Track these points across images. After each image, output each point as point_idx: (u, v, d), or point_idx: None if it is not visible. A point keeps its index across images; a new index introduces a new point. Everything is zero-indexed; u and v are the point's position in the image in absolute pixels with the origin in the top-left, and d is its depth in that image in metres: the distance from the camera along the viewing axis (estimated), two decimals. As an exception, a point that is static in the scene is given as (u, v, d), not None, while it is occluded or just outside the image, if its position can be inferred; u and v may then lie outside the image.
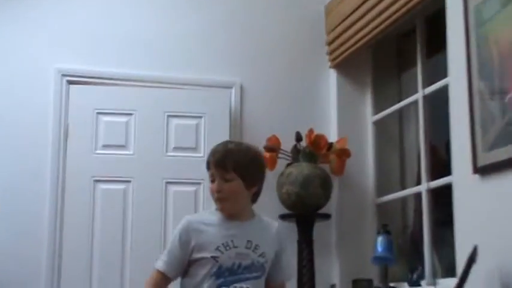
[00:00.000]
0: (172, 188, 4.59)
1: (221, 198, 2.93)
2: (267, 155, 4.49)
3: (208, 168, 2.99)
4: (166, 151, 4.62)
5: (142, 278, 4.10)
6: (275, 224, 3.11)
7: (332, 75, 4.94)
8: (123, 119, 4.61)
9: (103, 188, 4.49)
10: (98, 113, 4.58)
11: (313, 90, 4.95)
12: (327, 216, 4.61)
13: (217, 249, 2.87)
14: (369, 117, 4.89)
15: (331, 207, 4.66)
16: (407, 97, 4.51)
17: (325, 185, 4.52)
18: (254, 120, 4.84)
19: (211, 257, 2.86)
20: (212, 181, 2.95)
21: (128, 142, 4.60)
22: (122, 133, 4.60)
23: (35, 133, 4.53)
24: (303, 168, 4.49)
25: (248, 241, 2.91)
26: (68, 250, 4.38)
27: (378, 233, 4.34)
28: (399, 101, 4.63)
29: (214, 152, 3.01)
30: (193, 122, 4.69)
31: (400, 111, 4.68)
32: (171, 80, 4.73)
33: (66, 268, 4.35)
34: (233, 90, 4.83)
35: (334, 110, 4.90)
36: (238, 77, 4.86)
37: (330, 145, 4.61)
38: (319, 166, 4.55)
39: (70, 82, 4.60)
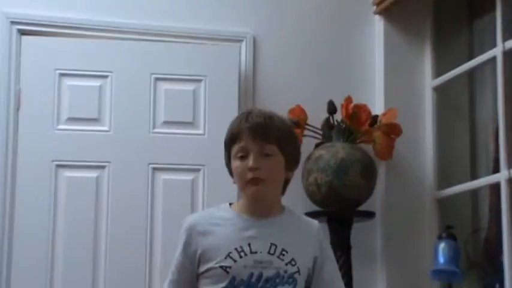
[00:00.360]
0: (162, 176, 4.36)
1: (258, 179, 2.67)
2: None
3: (235, 139, 2.73)
4: (154, 127, 4.39)
5: None
6: (314, 223, 2.87)
7: (378, 25, 4.71)
8: (95, 83, 4.37)
9: (68, 175, 4.24)
10: (61, 75, 4.33)
11: (352, 45, 4.74)
12: (370, 215, 4.39)
13: (228, 256, 2.65)
14: (428, 81, 4.69)
15: (375, 202, 4.45)
16: (480, 53, 4.32)
17: (368, 173, 4.28)
18: (272, 85, 4.62)
19: (220, 267, 2.65)
20: (242, 157, 2.69)
21: (101, 114, 4.37)
22: (94, 102, 4.36)
23: None
24: (338, 149, 4.25)
25: (272, 244, 2.67)
26: (20, 256, 4.17)
27: (439, 237, 4.15)
28: (469, 59, 4.43)
29: (247, 117, 2.74)
30: (190, 87, 4.47)
31: (471, 73, 4.52)
32: (160, 30, 4.52)
33: (18, 278, 4.10)
34: (243, 45, 4.60)
35: (380, 71, 4.66)
36: (250, 28, 4.63)
37: (374, 119, 4.38)
38: (359, 147, 4.33)
39: (22, 32, 4.37)
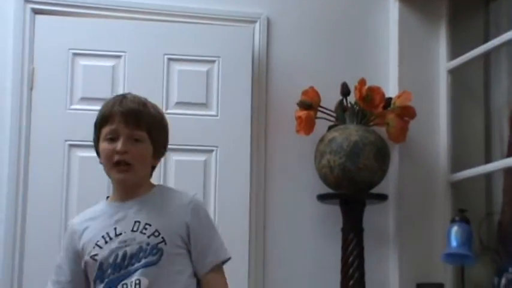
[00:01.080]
0: (174, 157, 4.30)
1: (125, 163, 2.67)
2: (302, 113, 4.33)
3: (104, 123, 2.71)
4: (167, 107, 4.33)
5: None
6: (188, 195, 2.84)
7: (393, 6, 4.65)
8: (109, 63, 4.34)
9: (81, 155, 4.21)
10: (75, 55, 4.31)
11: (366, 27, 4.69)
12: (382, 198, 4.34)
13: (96, 245, 2.68)
14: (443, 63, 4.63)
15: (388, 185, 4.40)
16: (497, 36, 4.28)
17: (381, 156, 4.24)
18: (285, 66, 4.57)
19: (90, 257, 2.69)
20: (111, 139, 2.67)
21: (112, 92, 4.18)
22: (107, 82, 4.31)
23: None
24: (351, 132, 4.22)
25: (136, 222, 2.69)
26: (33, 235, 4.17)
27: (452, 221, 4.13)
28: (485, 42, 4.41)
29: (121, 101, 2.76)
30: (203, 68, 4.43)
31: (487, 55, 4.47)
32: (174, 10, 4.48)
33: (31, 256, 4.11)
34: (257, 26, 4.55)
35: (394, 53, 4.61)
36: (264, 9, 4.58)
37: (388, 101, 4.33)
38: (372, 129, 4.29)
39: (36, 11, 4.32)
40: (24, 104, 4.26)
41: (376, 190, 4.29)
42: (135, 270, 2.65)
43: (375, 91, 4.26)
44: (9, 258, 4.27)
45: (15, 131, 4.29)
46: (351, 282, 4.19)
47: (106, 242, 2.67)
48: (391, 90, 4.44)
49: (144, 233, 2.68)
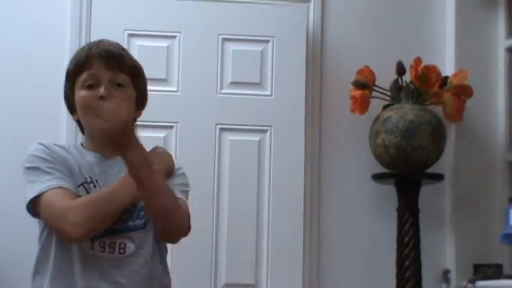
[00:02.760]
0: (229, 136, 4.34)
1: (108, 109, 2.41)
2: (357, 93, 4.29)
3: (81, 69, 2.50)
4: (221, 87, 4.36)
5: (181, 256, 4.01)
6: (162, 151, 2.71)
7: None
8: (164, 43, 4.36)
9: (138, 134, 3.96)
10: (130, 35, 4.32)
11: (422, 5, 4.63)
12: (438, 177, 4.28)
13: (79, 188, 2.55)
14: (501, 41, 4.57)
15: (444, 165, 4.35)
16: None
17: (437, 135, 4.19)
18: (339, 46, 4.55)
19: None
20: (90, 86, 2.47)
21: (169, 75, 4.34)
22: (162, 63, 4.32)
23: (48, 62, 4.22)
24: (407, 111, 4.17)
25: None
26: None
27: (511, 201, 4.06)
28: None
29: (97, 45, 2.57)
30: (258, 48, 4.42)
31: None
32: None
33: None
34: (311, 6, 4.51)
35: (450, 31, 4.54)
36: None
37: (444, 80, 4.26)
38: (428, 109, 4.24)
39: None
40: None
41: (432, 170, 4.23)
42: (120, 231, 2.54)
43: (430, 70, 4.20)
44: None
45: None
46: (407, 263, 4.14)
47: (87, 192, 2.55)
48: (448, 69, 4.37)
49: None
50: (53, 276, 2.49)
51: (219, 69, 4.34)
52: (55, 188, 2.45)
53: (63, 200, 2.43)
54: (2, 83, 4.27)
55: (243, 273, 4.28)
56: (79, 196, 2.48)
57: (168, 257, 3.93)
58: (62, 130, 4.37)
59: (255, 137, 4.34)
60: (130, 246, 2.48)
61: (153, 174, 2.45)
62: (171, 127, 4.28)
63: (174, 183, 2.60)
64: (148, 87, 4.00)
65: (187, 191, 2.67)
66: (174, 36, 4.32)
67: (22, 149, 2.69)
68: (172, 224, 2.50)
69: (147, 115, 3.81)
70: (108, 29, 4.14)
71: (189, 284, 4.19)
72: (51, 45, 4.40)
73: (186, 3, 4.40)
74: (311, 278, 4.33)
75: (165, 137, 4.26)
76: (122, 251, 2.46)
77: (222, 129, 4.31)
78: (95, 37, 4.07)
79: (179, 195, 2.58)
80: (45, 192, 2.45)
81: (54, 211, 2.46)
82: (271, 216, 4.34)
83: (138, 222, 2.51)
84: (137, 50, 4.20)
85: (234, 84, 4.34)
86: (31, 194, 2.48)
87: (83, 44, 4.10)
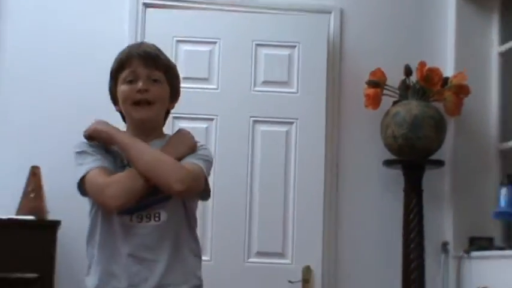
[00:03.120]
0: (261, 128, 4.37)
1: (146, 101, 2.56)
2: (370, 91, 4.33)
3: (122, 67, 2.61)
4: (254, 85, 4.38)
5: (220, 228, 4.21)
6: (197, 143, 2.73)
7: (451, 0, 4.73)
8: (206, 48, 4.38)
9: (183, 125, 4.00)
10: (178, 41, 4.36)
11: (426, 14, 4.66)
12: (439, 163, 4.33)
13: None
14: (495, 46, 4.57)
15: (444, 152, 4.39)
16: None
17: (439, 127, 4.24)
18: (356, 50, 4.58)
19: None
20: (130, 81, 2.57)
21: (211, 75, 4.37)
22: (205, 64, 4.36)
23: (107, 65, 4.01)
24: (413, 107, 4.22)
25: None
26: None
27: (502, 183, 4.08)
28: None
29: (137, 47, 2.71)
30: (286, 52, 4.43)
31: None
32: (261, 3, 4.52)
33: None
34: (332, 16, 4.55)
35: (451, 38, 4.58)
36: (337, 1, 4.60)
37: (446, 80, 4.30)
38: (431, 105, 4.28)
39: (147, 5, 4.41)
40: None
41: (434, 157, 4.27)
42: (152, 204, 2.60)
43: (434, 72, 4.25)
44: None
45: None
46: (411, 235, 4.21)
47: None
48: (448, 71, 4.39)
49: None
50: (100, 246, 2.56)
51: (252, 70, 4.37)
52: (96, 167, 2.52)
53: (102, 177, 2.49)
54: (71, 85, 4.27)
55: (272, 243, 4.32)
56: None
57: (209, 230, 3.99)
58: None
59: (283, 128, 4.36)
60: (164, 215, 2.54)
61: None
62: (211, 119, 4.33)
63: (195, 154, 2.61)
64: (192, 85, 4.27)
65: (207, 160, 2.67)
66: (215, 42, 4.36)
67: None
68: (162, 181, 2.52)
69: (191, 109, 4.26)
70: (159, 36, 4.12)
71: (227, 252, 4.29)
72: (113, 52, 4.41)
73: (224, 14, 4.42)
74: (329, 247, 4.37)
75: (206, 128, 4.30)
76: (156, 219, 2.53)
77: (255, 121, 4.36)
78: (148, 41, 4.10)
79: (195, 161, 2.60)
80: (88, 172, 2.53)
81: (95, 187, 2.52)
82: (296, 194, 4.37)
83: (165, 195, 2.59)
84: (183, 53, 4.32)
85: (266, 82, 4.37)
86: (79, 175, 2.56)
87: (138, 49, 4.37)
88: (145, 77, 2.55)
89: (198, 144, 2.70)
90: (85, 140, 2.64)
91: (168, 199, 2.57)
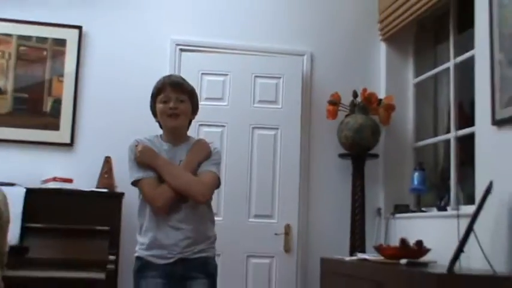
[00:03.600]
0: (257, 132, 4.56)
1: (175, 114, 2.72)
2: (330, 107, 4.48)
3: (159, 92, 2.75)
4: (253, 103, 4.57)
5: (230, 199, 4.37)
6: (211, 146, 2.86)
7: (382, 46, 4.84)
8: (220, 78, 4.55)
9: (205, 130, 4.43)
10: (202, 74, 4.52)
11: (368, 58, 4.83)
12: (375, 156, 4.56)
13: None
14: (411, 79, 4.75)
15: (378, 149, 4.60)
16: (441, 64, 4.37)
17: (375, 132, 4.45)
18: (321, 81, 4.74)
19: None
20: (164, 101, 2.72)
21: (223, 96, 4.54)
22: (219, 89, 4.54)
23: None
24: (358, 118, 4.42)
25: (180, 160, 2.75)
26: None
27: (415, 169, 4.29)
28: (435, 68, 4.48)
29: (168, 78, 2.82)
30: (274, 81, 4.60)
31: (436, 75, 4.51)
32: (257, 48, 4.67)
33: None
34: (305, 57, 4.73)
35: (383, 73, 4.79)
36: (309, 47, 4.77)
37: (379, 101, 4.52)
38: (370, 117, 4.47)
39: (182, 50, 4.57)
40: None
41: (371, 152, 4.49)
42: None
43: (372, 95, 4.49)
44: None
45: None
46: (357, 204, 4.42)
47: None
48: (381, 95, 4.63)
49: None
50: (149, 218, 2.72)
51: (252, 93, 4.54)
52: (144, 178, 2.67)
53: (150, 190, 2.65)
54: (131, 103, 4.36)
55: (264, 208, 4.47)
56: (160, 180, 2.65)
57: (222, 200, 4.31)
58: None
59: (272, 132, 4.54)
60: (190, 201, 2.69)
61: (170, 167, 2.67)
62: (224, 126, 4.48)
63: (211, 159, 2.75)
64: (211, 103, 4.37)
65: (219, 163, 2.80)
66: (227, 74, 4.53)
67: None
68: (189, 195, 2.66)
69: (210, 118, 4.35)
70: (190, 70, 4.32)
71: (234, 214, 4.39)
72: (155, 81, 3.97)
73: (233, 56, 4.54)
74: (302, 211, 4.54)
75: (220, 132, 4.46)
76: (186, 204, 2.69)
77: (253, 128, 4.52)
78: (183, 75, 3.65)
79: (211, 168, 2.74)
80: (138, 180, 2.68)
81: (146, 195, 2.67)
82: (281, 176, 4.50)
83: None
84: (206, 82, 4.49)
85: (261, 101, 4.55)
86: (130, 179, 2.72)
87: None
88: (174, 99, 2.71)
89: (212, 147, 2.81)
90: (132, 146, 2.74)
91: None
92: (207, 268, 2.75)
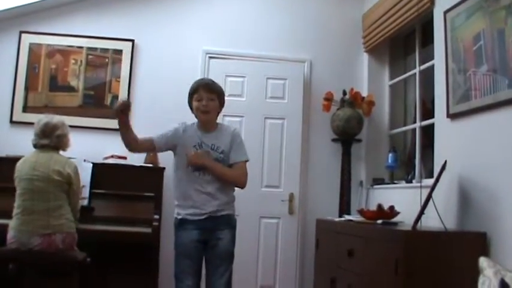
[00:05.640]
0: (268, 121, 4.53)
1: (207, 111, 2.75)
2: (325, 103, 4.45)
3: (194, 92, 2.77)
4: (265, 98, 4.55)
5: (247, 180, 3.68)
6: (230, 128, 2.90)
7: (365, 56, 4.77)
8: (240, 79, 4.54)
9: (228, 119, 4.38)
10: (226, 76, 4.50)
11: (354, 65, 4.76)
12: (359, 141, 4.56)
13: (193, 147, 2.79)
14: (387, 82, 4.70)
15: (362, 135, 4.57)
16: (409, 71, 4.34)
17: (359, 122, 4.43)
18: (318, 82, 4.70)
19: (185, 154, 2.77)
20: (198, 100, 2.75)
21: (242, 93, 4.52)
22: (239, 87, 4.52)
23: (188, 89, 4.01)
24: (346, 111, 4.41)
25: (213, 144, 2.79)
26: None
27: (389, 151, 4.30)
28: (405, 73, 4.45)
29: (202, 80, 2.85)
30: (281, 82, 4.57)
31: (405, 79, 4.48)
32: (269, 56, 4.63)
33: None
34: (306, 64, 4.70)
35: (366, 76, 4.72)
36: (309, 56, 4.73)
37: (363, 98, 4.50)
38: (356, 110, 4.44)
39: (210, 57, 4.56)
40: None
41: (357, 137, 4.47)
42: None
43: (357, 94, 4.47)
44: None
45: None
46: (345, 177, 4.40)
47: (198, 149, 2.78)
48: (365, 93, 4.58)
49: (217, 151, 2.80)
50: (178, 194, 2.80)
51: (264, 90, 4.51)
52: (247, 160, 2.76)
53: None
54: (172, 101, 4.30)
55: (273, 180, 4.42)
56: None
57: None
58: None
59: (280, 122, 4.51)
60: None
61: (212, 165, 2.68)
62: (242, 116, 4.46)
63: (237, 144, 2.77)
64: (232, 98, 4.19)
65: (241, 141, 2.82)
66: (245, 76, 4.52)
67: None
68: (232, 183, 2.78)
69: (232, 111, 4.26)
70: (217, 73, 4.31)
71: (250, 184, 3.58)
72: (190, 81, 3.98)
73: (250, 62, 4.52)
74: (302, 182, 4.51)
75: (239, 121, 4.41)
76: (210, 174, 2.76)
77: (265, 118, 4.49)
78: (211, 76, 4.13)
79: (242, 157, 2.78)
80: (247, 160, 2.78)
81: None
82: (286, 156, 4.46)
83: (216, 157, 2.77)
84: (229, 82, 4.45)
85: (271, 97, 4.52)
86: (245, 158, 2.80)
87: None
88: (206, 98, 2.76)
89: (232, 129, 2.85)
90: (181, 125, 2.78)
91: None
92: (230, 222, 2.85)
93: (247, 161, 2.82)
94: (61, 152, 3.39)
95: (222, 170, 2.71)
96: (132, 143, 2.73)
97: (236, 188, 2.86)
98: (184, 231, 2.76)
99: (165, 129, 2.81)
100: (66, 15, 4.45)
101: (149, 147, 2.82)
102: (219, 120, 2.97)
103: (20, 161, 3.24)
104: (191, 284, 2.68)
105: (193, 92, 2.81)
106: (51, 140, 3.28)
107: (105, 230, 3.66)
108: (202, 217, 2.75)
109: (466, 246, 2.66)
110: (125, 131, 2.70)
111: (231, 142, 2.79)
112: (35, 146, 3.26)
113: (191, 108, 2.85)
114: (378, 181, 4.41)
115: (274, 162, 4.49)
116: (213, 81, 2.84)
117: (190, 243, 2.72)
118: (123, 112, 2.61)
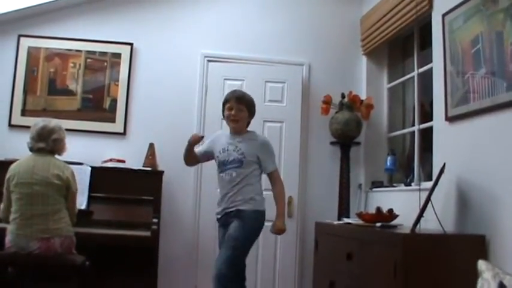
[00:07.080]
0: (267, 124, 4.54)
1: (236, 120, 2.96)
2: (324, 106, 4.46)
3: (227, 102, 2.98)
4: (264, 102, 4.52)
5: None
6: (260, 138, 3.08)
7: (363, 59, 4.77)
8: (239, 82, 4.52)
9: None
10: (224, 79, 4.52)
11: (352, 68, 4.76)
12: (358, 143, 4.57)
13: (221, 151, 3.00)
14: (385, 85, 4.70)
15: (361, 138, 4.58)
16: (408, 74, 4.34)
17: (358, 125, 4.44)
18: (316, 85, 4.71)
19: (217, 156, 3.04)
20: (229, 109, 2.95)
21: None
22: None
23: (187, 92, 4.48)
24: (345, 114, 4.42)
25: (236, 146, 2.96)
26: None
27: (388, 154, 4.29)
28: (403, 76, 4.45)
29: (234, 92, 3.04)
30: (280, 85, 4.59)
31: (404, 82, 4.48)
32: (267, 59, 4.63)
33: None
34: (304, 67, 4.70)
35: (364, 79, 4.72)
36: (307, 59, 4.73)
37: (362, 101, 4.50)
38: (355, 113, 4.45)
39: (209, 61, 4.57)
40: (202, 101, 4.37)
41: (356, 140, 4.46)
42: (230, 168, 2.97)
43: (356, 97, 4.47)
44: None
45: (199, 112, 4.28)
46: (344, 180, 4.39)
47: (223, 151, 3.00)
48: (363, 96, 4.58)
49: (237, 152, 2.96)
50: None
51: (263, 94, 4.50)
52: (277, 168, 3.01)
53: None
54: (171, 100, 4.42)
55: None
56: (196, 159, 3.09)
57: None
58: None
59: (278, 125, 4.52)
60: (233, 173, 2.98)
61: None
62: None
63: (268, 153, 2.96)
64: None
65: (272, 151, 3.03)
66: (243, 79, 4.49)
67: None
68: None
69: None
70: (215, 76, 4.39)
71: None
72: (191, 84, 4.47)
73: (248, 65, 4.52)
74: (301, 186, 4.50)
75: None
76: (234, 174, 2.99)
77: (264, 121, 4.48)
78: (210, 81, 4.38)
79: (273, 166, 3.01)
80: (277, 169, 3.02)
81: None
82: (285, 158, 4.45)
83: (235, 164, 2.95)
84: (227, 85, 4.37)
85: (270, 100, 4.52)
86: (275, 167, 3.02)
87: (204, 87, 4.37)
88: (236, 108, 2.99)
89: (261, 140, 3.04)
90: (214, 135, 3.06)
91: (235, 166, 2.93)
92: (240, 215, 3.02)
93: (277, 168, 3.05)
94: (57, 157, 3.38)
95: (283, 204, 3.04)
96: (192, 163, 3.14)
97: None
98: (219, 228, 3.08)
99: (205, 143, 3.09)
100: (64, 18, 4.46)
101: (198, 161, 3.20)
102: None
103: (15, 164, 3.21)
104: None
105: (226, 102, 3.03)
106: (47, 143, 3.25)
107: (104, 233, 3.65)
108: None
109: (464, 249, 2.66)
110: (189, 154, 3.06)
111: (260, 150, 2.96)
112: (30, 149, 3.23)
113: (223, 116, 3.08)
114: (376, 184, 4.40)
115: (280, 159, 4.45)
116: (244, 94, 3.03)
117: None
118: (195, 143, 2.97)
